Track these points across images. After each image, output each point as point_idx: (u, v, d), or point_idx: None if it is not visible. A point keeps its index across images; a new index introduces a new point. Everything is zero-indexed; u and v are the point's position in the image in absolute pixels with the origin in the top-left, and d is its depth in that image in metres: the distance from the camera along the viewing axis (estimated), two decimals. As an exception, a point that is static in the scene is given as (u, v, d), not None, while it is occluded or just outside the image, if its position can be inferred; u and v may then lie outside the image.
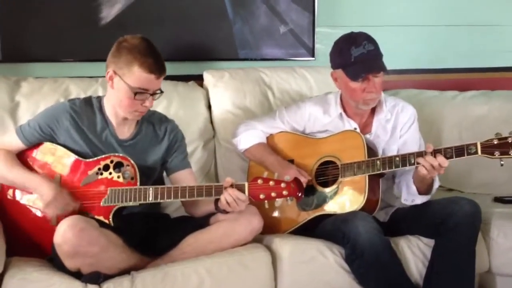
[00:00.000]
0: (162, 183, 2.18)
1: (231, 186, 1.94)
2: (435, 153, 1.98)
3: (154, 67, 1.95)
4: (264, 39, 2.87)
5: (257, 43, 2.87)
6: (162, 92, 2.03)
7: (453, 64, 3.20)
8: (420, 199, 2.15)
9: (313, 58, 2.94)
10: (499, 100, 2.85)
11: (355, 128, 2.25)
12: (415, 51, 3.13)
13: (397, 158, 2.05)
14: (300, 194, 1.95)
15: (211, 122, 2.61)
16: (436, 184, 2.17)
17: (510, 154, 1.87)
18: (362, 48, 2.11)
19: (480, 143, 1.92)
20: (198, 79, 2.72)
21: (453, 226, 2.04)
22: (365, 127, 2.28)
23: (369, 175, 2.10)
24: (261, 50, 2.88)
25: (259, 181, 1.96)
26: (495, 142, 1.90)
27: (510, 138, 1.89)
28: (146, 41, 1.99)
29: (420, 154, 2.00)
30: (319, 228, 2.14)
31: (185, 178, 2.16)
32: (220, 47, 2.82)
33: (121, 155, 2.02)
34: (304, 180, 2.12)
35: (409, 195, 2.17)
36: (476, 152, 1.92)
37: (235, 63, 2.84)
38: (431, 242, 2.12)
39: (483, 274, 2.24)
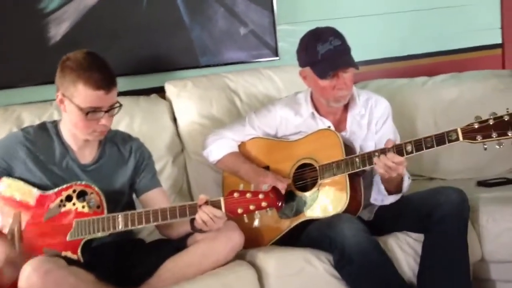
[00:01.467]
0: (133, 207, 2.05)
1: (206, 203, 1.82)
2: (395, 149, 1.89)
3: (101, 82, 1.81)
4: (225, 43, 2.75)
5: (218, 48, 2.75)
6: (120, 105, 1.89)
7: (421, 49, 3.13)
8: (389, 199, 2.05)
9: (278, 58, 2.83)
10: (470, 82, 2.78)
11: (329, 127, 2.15)
12: (381, 40, 3.05)
13: (376, 153, 1.95)
14: (280, 204, 1.84)
15: (178, 135, 2.48)
16: (406, 182, 2.05)
17: (492, 137, 1.79)
18: (328, 44, 2.01)
19: (461, 128, 1.84)
20: (160, 92, 2.59)
21: (441, 218, 1.96)
22: (340, 125, 2.18)
23: (349, 174, 2.00)
24: (223, 54, 2.76)
25: (235, 195, 1.84)
26: (476, 126, 1.82)
27: (491, 120, 1.81)
28: (90, 55, 1.86)
29: (384, 151, 1.91)
30: (305, 235, 2.04)
31: (156, 198, 2.03)
32: (180, 56, 2.69)
33: (83, 183, 1.89)
34: (282, 186, 2.01)
35: (379, 195, 2.07)
36: (457, 139, 1.83)
37: (197, 71, 2.71)
38: (420, 237, 2.03)
39: (476, 263, 2.16)
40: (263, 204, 1.83)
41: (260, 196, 1.84)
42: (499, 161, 2.61)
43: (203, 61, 2.73)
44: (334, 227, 1.91)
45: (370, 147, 2.16)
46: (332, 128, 2.14)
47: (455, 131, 1.84)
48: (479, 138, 1.81)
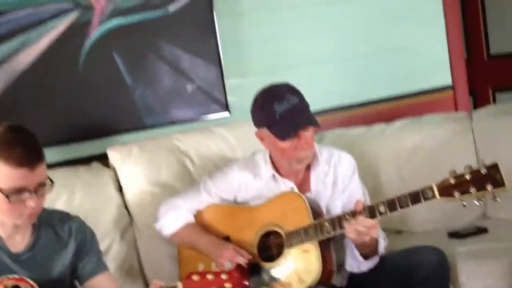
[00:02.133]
0: (75, 294, 1.80)
1: (161, 290, 1.59)
2: (370, 211, 1.74)
3: (24, 158, 1.58)
4: (171, 101, 2.57)
5: (164, 107, 2.56)
6: (51, 182, 1.66)
7: (374, 94, 3.03)
8: (366, 265, 1.88)
9: (228, 113, 2.67)
10: (429, 127, 2.67)
11: (292, 188, 1.98)
12: (332, 87, 2.94)
13: (347, 216, 1.78)
14: (247, 283, 1.63)
15: (126, 206, 2.24)
16: (382, 243, 1.89)
17: (471, 192, 1.66)
18: (286, 102, 1.86)
19: (436, 185, 1.70)
20: (103, 159, 2.36)
21: (422, 280, 1.80)
22: (303, 185, 2.00)
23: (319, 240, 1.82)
24: (169, 113, 2.57)
25: (195, 278, 1.60)
26: (452, 182, 1.69)
27: (467, 175, 1.68)
28: (12, 129, 1.63)
29: (355, 213, 1.76)
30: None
31: (102, 285, 1.78)
32: (122, 118, 2.49)
33: (16, 276, 1.62)
34: (243, 261, 1.81)
35: (354, 261, 1.90)
36: (433, 196, 1.70)
37: (142, 134, 2.51)
38: (400, 302, 1.87)
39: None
40: (227, 285, 1.61)
41: (223, 276, 1.61)
42: (467, 209, 2.49)
43: (148, 121, 2.53)
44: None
45: (337, 207, 1.99)
46: (296, 189, 1.97)
47: (431, 188, 1.70)
48: (456, 194, 1.67)
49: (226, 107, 2.66)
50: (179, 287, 1.60)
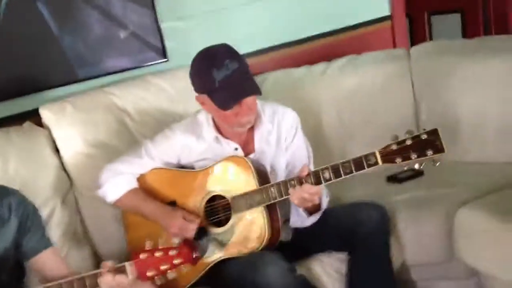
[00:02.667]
0: (21, 270, 1.76)
1: (110, 271, 1.58)
2: (315, 177, 1.76)
3: None
4: (104, 50, 2.42)
5: (97, 57, 2.41)
6: None
7: (312, 31, 2.98)
8: (309, 221, 1.92)
9: (166, 59, 2.55)
10: (368, 68, 2.66)
11: (236, 149, 1.96)
12: (271, 27, 2.86)
13: (293, 182, 1.80)
14: (195, 256, 1.64)
15: (64, 170, 2.16)
16: (325, 200, 1.93)
17: (411, 158, 1.70)
18: (225, 69, 1.79)
19: (379, 151, 1.72)
20: (34, 116, 2.23)
21: (364, 237, 1.88)
22: (247, 146, 1.99)
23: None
24: (103, 63, 2.43)
25: (143, 256, 1.61)
26: (394, 148, 1.71)
27: (408, 140, 1.71)
28: None
29: (301, 180, 1.77)
30: (226, 275, 1.86)
31: (48, 261, 1.75)
32: (52, 72, 2.33)
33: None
34: (193, 232, 1.81)
35: (298, 217, 1.94)
36: (376, 163, 1.72)
37: (75, 86, 2.38)
38: (342, 257, 1.96)
39: (398, 268, 2.13)
40: (176, 261, 1.62)
41: (171, 252, 1.62)
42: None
43: (81, 73, 2.39)
44: (257, 270, 1.75)
45: (281, 164, 2.00)
46: (240, 151, 1.95)
47: (373, 154, 1.72)
48: (398, 160, 1.71)
49: (163, 53, 2.54)
50: (128, 267, 1.60)
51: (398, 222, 2.11)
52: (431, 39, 3.95)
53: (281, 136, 2.01)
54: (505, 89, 2.38)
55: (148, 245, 1.64)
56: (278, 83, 2.64)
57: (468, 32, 3.80)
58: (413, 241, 2.11)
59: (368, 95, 2.60)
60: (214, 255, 1.89)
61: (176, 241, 1.65)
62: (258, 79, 2.67)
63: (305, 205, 1.81)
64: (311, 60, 2.86)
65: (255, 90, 1.83)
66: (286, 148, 2.01)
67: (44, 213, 1.98)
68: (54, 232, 2.01)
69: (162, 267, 1.61)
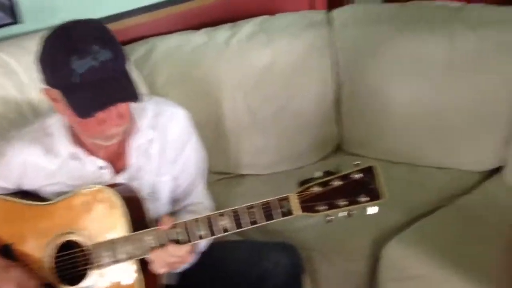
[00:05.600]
0: None
1: None
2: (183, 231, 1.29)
3: None
4: None
5: None
6: None
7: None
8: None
9: (17, 22, 1.88)
10: (283, 39, 2.12)
11: (102, 168, 1.41)
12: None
13: (179, 231, 1.30)
14: None
15: None
16: (202, 243, 1.44)
17: (339, 206, 1.24)
18: (91, 58, 1.20)
19: (297, 194, 1.25)
20: None
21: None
22: (118, 161, 1.44)
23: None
24: None
25: None
26: (316, 191, 1.25)
27: (336, 181, 1.24)
28: None
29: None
30: None
31: None
32: None
33: None
34: None
35: None
36: (290, 212, 1.25)
37: None
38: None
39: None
40: None
41: None
42: (315, 147, 2.15)
43: None
44: None
45: (166, 183, 1.49)
46: (107, 172, 1.41)
47: (287, 199, 1.25)
48: (322, 208, 1.24)
49: (12, 13, 1.87)
50: None
51: (312, 257, 1.69)
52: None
53: (167, 145, 1.48)
54: (445, 77, 1.96)
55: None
56: (169, 57, 2.06)
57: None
58: (331, 284, 1.70)
59: (281, 77, 2.10)
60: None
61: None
62: (142, 48, 2.10)
63: (174, 268, 1.33)
64: (213, 20, 2.29)
65: (131, 95, 1.26)
66: (174, 160, 1.50)
67: None
68: None
69: None
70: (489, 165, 1.91)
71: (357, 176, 1.24)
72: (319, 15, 2.27)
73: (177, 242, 1.29)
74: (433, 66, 1.98)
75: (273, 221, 1.26)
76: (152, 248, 1.29)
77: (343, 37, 2.15)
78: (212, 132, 2.02)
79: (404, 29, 2.06)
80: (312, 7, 2.64)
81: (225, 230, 1.28)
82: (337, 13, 2.24)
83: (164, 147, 1.48)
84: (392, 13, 2.18)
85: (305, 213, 1.25)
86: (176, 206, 1.53)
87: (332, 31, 2.18)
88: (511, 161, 1.85)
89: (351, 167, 1.25)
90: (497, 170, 1.90)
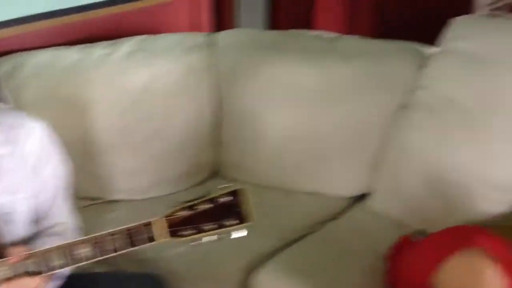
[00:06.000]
0: None
1: None
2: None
3: None
4: None
5: None
6: None
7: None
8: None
9: None
10: (162, 56, 2.08)
11: None
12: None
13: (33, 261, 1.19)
14: None
15: None
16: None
17: (205, 230, 1.20)
18: None
19: (165, 218, 1.20)
20: None
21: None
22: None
23: None
24: None
25: None
26: (185, 214, 1.20)
27: (205, 204, 1.20)
28: None
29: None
30: None
31: None
32: None
33: None
34: None
35: None
36: (153, 238, 1.20)
37: None
38: None
39: None
40: None
41: None
42: (192, 171, 2.10)
43: None
44: None
45: (21, 202, 1.36)
46: None
47: (150, 224, 1.19)
48: (189, 233, 1.20)
49: None
50: None
51: (183, 287, 1.62)
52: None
53: (24, 160, 1.37)
54: (319, 104, 1.99)
55: None
56: (38, 74, 1.93)
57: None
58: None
59: (160, 96, 2.04)
60: None
61: None
62: (9, 62, 1.95)
63: None
64: (91, 37, 2.19)
65: None
66: (33, 176, 1.38)
67: None
68: None
69: None
70: (357, 191, 1.95)
71: (225, 199, 1.21)
72: (201, 37, 2.25)
73: (31, 273, 1.19)
74: (307, 93, 2.00)
75: (137, 247, 1.19)
76: (1, 281, 1.17)
77: (225, 61, 2.13)
78: (81, 153, 1.90)
79: (281, 56, 2.08)
80: (197, 28, 2.62)
81: (87, 259, 1.19)
82: (222, 36, 2.24)
83: (21, 162, 1.37)
84: (273, 40, 2.20)
85: (173, 238, 1.19)
86: (39, 226, 1.42)
87: (215, 54, 2.16)
88: (379, 187, 1.91)
89: (221, 190, 1.23)
90: (364, 196, 1.95)
